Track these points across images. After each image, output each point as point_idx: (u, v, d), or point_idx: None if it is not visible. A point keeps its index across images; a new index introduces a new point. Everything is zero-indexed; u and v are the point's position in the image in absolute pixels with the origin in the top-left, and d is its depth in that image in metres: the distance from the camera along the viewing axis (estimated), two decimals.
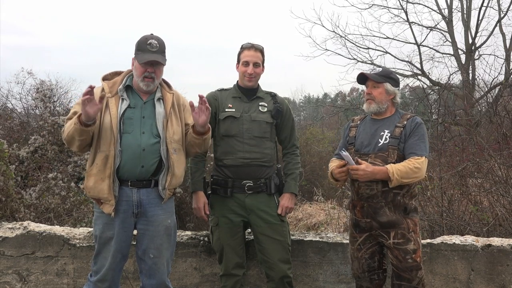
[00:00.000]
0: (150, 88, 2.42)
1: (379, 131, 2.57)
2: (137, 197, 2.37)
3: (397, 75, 2.76)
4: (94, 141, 2.34)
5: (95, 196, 2.34)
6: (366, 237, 2.58)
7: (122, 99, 2.38)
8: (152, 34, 2.44)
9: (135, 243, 2.48)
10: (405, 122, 2.54)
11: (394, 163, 2.45)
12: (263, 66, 2.82)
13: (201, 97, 2.32)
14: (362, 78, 2.63)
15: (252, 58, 2.74)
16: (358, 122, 2.72)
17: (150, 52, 2.37)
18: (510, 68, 11.61)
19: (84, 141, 2.29)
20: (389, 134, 2.53)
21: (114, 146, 2.30)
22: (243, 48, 2.78)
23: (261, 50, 2.78)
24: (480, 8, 12.45)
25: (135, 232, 2.46)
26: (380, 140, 2.53)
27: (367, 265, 2.59)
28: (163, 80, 2.53)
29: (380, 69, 2.69)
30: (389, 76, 2.62)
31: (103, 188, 2.30)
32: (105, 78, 2.46)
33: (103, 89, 2.37)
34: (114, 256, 2.38)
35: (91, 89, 2.15)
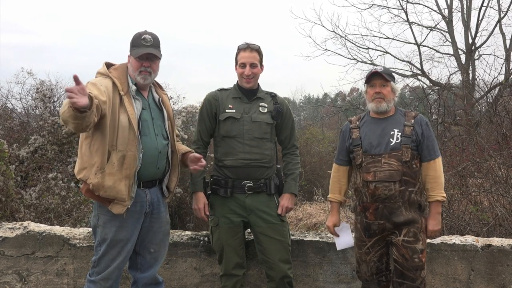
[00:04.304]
0: (147, 82, 2.44)
1: (387, 130, 2.55)
2: (149, 197, 2.43)
3: (396, 75, 2.80)
4: (105, 137, 2.24)
5: (111, 196, 2.27)
6: (375, 240, 2.56)
7: (135, 99, 2.38)
8: (146, 30, 2.45)
9: None
10: (413, 121, 2.55)
11: (407, 161, 2.46)
12: (261, 66, 2.80)
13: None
14: (370, 77, 2.59)
15: (248, 59, 2.73)
16: (358, 122, 2.68)
17: (145, 47, 2.38)
18: (510, 68, 11.61)
19: (79, 124, 2.04)
20: (400, 133, 2.52)
21: (136, 147, 2.29)
22: (239, 49, 2.77)
23: (257, 50, 2.76)
24: (480, 8, 12.45)
25: None
26: (391, 139, 2.52)
27: (376, 267, 2.58)
28: (155, 81, 2.56)
29: (382, 67, 2.66)
30: (391, 75, 2.63)
31: (121, 189, 2.26)
32: (110, 73, 2.37)
33: (114, 83, 2.31)
34: (127, 256, 2.40)
35: (78, 84, 1.91)
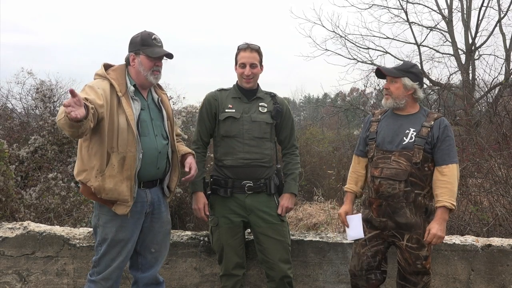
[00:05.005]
0: (157, 81, 2.47)
1: (403, 128, 2.49)
2: (150, 197, 2.43)
3: (420, 69, 2.60)
4: (104, 140, 2.24)
5: (113, 198, 2.28)
6: (374, 234, 2.53)
7: (133, 100, 2.38)
8: (145, 30, 2.45)
9: None
10: (433, 123, 2.45)
11: (418, 163, 2.40)
12: (261, 66, 2.80)
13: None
14: (381, 73, 2.55)
15: (248, 59, 2.72)
16: (380, 116, 2.62)
17: (158, 47, 2.40)
18: (510, 68, 11.60)
19: (75, 132, 2.05)
20: (415, 133, 2.45)
21: (135, 148, 2.28)
22: (239, 49, 2.77)
23: (257, 50, 2.76)
24: (480, 8, 12.43)
25: None
26: (405, 138, 2.46)
27: (367, 263, 2.54)
28: None
29: (401, 62, 2.59)
30: (408, 70, 2.49)
31: (123, 190, 2.27)
32: (108, 75, 2.37)
33: (111, 85, 2.31)
34: (127, 256, 2.41)
35: (74, 97, 1.93)
